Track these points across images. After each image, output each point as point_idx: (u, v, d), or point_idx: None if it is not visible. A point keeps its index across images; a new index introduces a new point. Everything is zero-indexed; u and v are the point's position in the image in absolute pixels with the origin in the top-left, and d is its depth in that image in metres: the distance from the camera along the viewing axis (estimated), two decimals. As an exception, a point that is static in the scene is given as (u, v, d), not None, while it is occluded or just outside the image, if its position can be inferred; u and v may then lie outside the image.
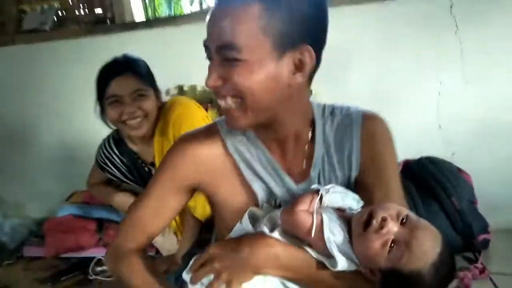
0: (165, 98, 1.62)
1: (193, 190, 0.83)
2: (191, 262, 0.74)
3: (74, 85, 2.13)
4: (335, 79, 1.71)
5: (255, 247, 0.69)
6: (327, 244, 0.66)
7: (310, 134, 0.78)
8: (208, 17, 0.67)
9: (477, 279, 1.48)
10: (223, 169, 0.79)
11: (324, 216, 0.67)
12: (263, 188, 0.78)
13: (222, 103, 0.69)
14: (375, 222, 0.65)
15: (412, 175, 1.72)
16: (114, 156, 1.56)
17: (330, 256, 0.66)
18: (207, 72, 0.68)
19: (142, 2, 2.34)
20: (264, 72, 0.64)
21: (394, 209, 0.66)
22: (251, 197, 0.78)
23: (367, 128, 0.77)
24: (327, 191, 0.70)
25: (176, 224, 1.63)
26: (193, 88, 2.04)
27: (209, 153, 0.78)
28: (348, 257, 0.67)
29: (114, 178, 1.62)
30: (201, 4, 2.61)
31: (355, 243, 0.67)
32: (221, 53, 0.65)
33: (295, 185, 0.78)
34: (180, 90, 2.08)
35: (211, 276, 0.70)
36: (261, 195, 0.78)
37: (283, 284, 0.70)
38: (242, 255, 0.68)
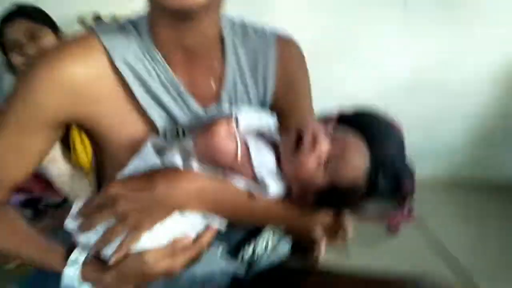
0: (75, 28, 1.59)
1: (65, 124, 0.66)
2: (76, 206, 0.60)
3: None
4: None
5: (173, 183, 0.58)
6: (256, 169, 0.60)
7: (220, 52, 0.70)
8: None
9: (404, 221, 1.58)
10: (108, 93, 0.63)
11: (248, 138, 0.62)
12: (163, 114, 0.66)
13: None
14: (306, 142, 0.60)
15: (347, 124, 1.68)
16: None
17: (258, 183, 0.61)
18: None
19: None
20: None
21: (322, 125, 0.64)
22: (147, 126, 0.65)
23: (283, 52, 0.73)
24: (239, 113, 0.63)
25: (91, 165, 1.42)
26: (113, 17, 1.79)
27: (86, 74, 0.61)
28: (278, 182, 0.62)
29: None
30: None
31: (285, 166, 0.62)
32: None
33: (202, 110, 0.68)
34: (96, 17, 1.81)
35: (101, 228, 0.58)
36: (161, 123, 0.65)
37: (205, 221, 0.62)
38: (156, 194, 0.57)
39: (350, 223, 1.08)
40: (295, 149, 0.60)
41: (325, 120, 2.00)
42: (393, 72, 1.89)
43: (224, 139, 0.59)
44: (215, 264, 0.67)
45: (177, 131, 0.66)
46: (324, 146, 0.60)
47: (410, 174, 1.67)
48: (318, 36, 1.80)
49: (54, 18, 1.41)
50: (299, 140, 0.61)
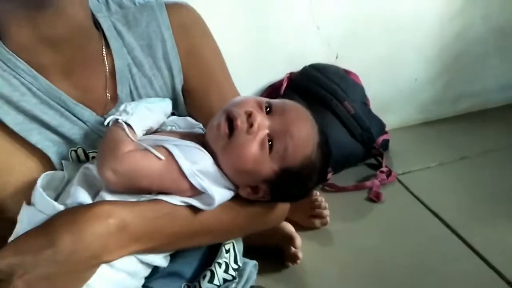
0: None
1: None
2: None
3: None
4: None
5: (81, 228, 0.44)
6: (191, 179, 0.50)
7: (102, 42, 0.59)
8: None
9: (385, 184, 1.40)
10: None
11: (167, 145, 0.51)
12: (53, 137, 0.54)
13: None
14: (239, 123, 0.53)
15: (299, 87, 1.51)
16: None
17: (198, 193, 0.52)
18: None
19: None
20: None
21: (252, 100, 0.56)
22: (37, 161, 0.54)
23: (177, 20, 0.64)
24: (128, 113, 0.53)
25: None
26: None
27: None
28: (222, 185, 0.53)
29: None
30: None
31: (223, 161, 0.53)
32: None
33: (100, 117, 0.57)
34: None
35: None
36: (53, 151, 0.54)
37: (141, 264, 0.51)
38: (61, 250, 0.43)
39: (324, 203, 1.13)
40: (228, 137, 0.53)
41: (275, 85, 1.74)
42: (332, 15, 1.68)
43: (136, 156, 0.49)
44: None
45: (77, 155, 0.55)
46: (261, 123, 0.53)
47: (381, 128, 1.53)
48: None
49: None
50: (229, 124, 0.53)
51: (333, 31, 1.63)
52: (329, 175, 1.41)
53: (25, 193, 0.50)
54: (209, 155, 0.53)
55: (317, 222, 1.15)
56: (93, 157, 0.56)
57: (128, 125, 0.51)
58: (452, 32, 1.71)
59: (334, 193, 1.33)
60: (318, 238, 1.15)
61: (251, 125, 0.53)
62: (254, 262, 0.68)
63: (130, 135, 0.51)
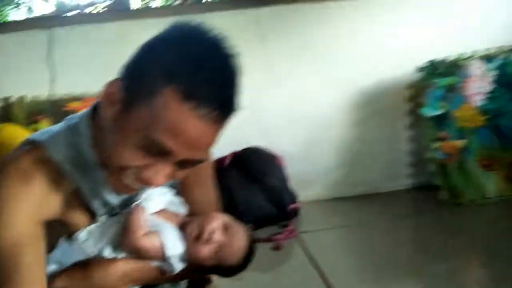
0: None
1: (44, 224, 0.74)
2: None
3: None
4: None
5: (105, 270, 0.76)
6: (168, 260, 0.77)
7: None
8: (187, 125, 0.59)
9: (288, 239, 1.88)
10: (65, 198, 0.74)
11: (164, 233, 0.77)
12: (101, 203, 0.78)
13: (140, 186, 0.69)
14: (205, 235, 0.78)
15: (239, 164, 2.06)
16: None
17: (167, 263, 0.78)
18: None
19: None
20: None
21: (220, 220, 0.81)
22: (90, 215, 0.79)
23: None
24: (146, 200, 0.78)
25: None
26: (21, 99, 2.00)
27: (43, 193, 0.69)
28: (182, 260, 0.79)
29: None
30: (29, 10, 2.54)
31: (189, 250, 0.79)
32: (187, 163, 0.65)
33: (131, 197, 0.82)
34: (6, 102, 2.01)
35: None
36: (100, 211, 0.79)
37: None
38: (94, 281, 0.74)
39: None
40: (196, 239, 0.79)
41: (221, 160, 2.35)
42: (268, 111, 2.23)
43: (145, 242, 0.75)
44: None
45: (112, 211, 0.81)
46: (217, 240, 0.79)
47: (293, 199, 2.08)
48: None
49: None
50: (200, 232, 0.79)
51: (269, 122, 2.22)
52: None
53: (71, 232, 0.77)
54: (182, 242, 0.79)
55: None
56: (114, 214, 0.81)
57: (143, 207, 0.77)
58: (353, 134, 2.33)
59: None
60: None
61: (209, 239, 0.79)
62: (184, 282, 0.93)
63: (145, 220, 0.76)
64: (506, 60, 2.07)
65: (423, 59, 2.14)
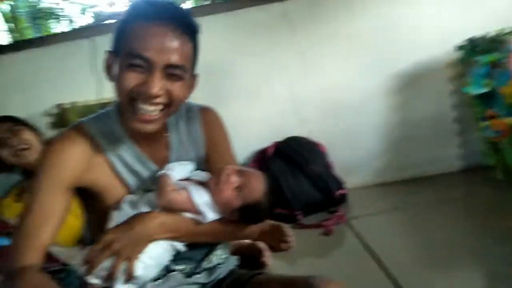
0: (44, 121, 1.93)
1: (72, 190, 0.87)
2: (83, 253, 0.83)
3: None
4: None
5: (144, 221, 0.84)
6: (198, 206, 0.85)
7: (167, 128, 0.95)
8: (149, 30, 0.77)
9: (338, 224, 1.90)
10: (99, 168, 0.88)
11: (189, 187, 0.87)
12: (136, 179, 0.90)
13: (151, 108, 0.80)
14: (223, 178, 0.88)
15: (282, 154, 2.10)
16: None
17: (200, 213, 0.86)
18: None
19: (7, 26, 2.31)
20: (189, 87, 0.87)
21: (233, 167, 0.91)
22: (126, 188, 0.90)
23: (205, 119, 0.99)
24: (169, 169, 0.89)
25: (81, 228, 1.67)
26: (73, 104, 2.10)
27: (83, 153, 0.86)
28: (213, 210, 0.87)
29: None
30: (71, 23, 2.65)
31: (214, 197, 0.87)
32: (169, 70, 0.79)
33: (159, 169, 0.92)
34: (60, 108, 2.12)
35: (107, 264, 0.81)
36: (134, 186, 0.90)
37: (171, 245, 0.88)
38: (135, 231, 0.82)
39: (289, 232, 1.23)
40: (217, 184, 0.87)
41: (264, 150, 2.45)
42: (307, 101, 2.26)
43: (174, 194, 0.84)
44: (181, 282, 0.89)
45: (145, 188, 0.90)
46: (233, 179, 0.87)
47: (339, 185, 2.10)
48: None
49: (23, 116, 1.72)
50: (219, 178, 0.87)
51: (307, 112, 2.25)
52: (300, 216, 1.95)
53: (116, 205, 0.87)
54: (207, 193, 0.86)
55: (284, 245, 1.59)
56: (150, 190, 0.88)
57: (167, 175, 0.86)
58: (395, 119, 2.31)
59: (300, 229, 1.88)
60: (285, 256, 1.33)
61: (227, 179, 0.87)
62: (236, 257, 1.03)
63: (171, 180, 0.85)
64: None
65: (460, 38, 2.10)
